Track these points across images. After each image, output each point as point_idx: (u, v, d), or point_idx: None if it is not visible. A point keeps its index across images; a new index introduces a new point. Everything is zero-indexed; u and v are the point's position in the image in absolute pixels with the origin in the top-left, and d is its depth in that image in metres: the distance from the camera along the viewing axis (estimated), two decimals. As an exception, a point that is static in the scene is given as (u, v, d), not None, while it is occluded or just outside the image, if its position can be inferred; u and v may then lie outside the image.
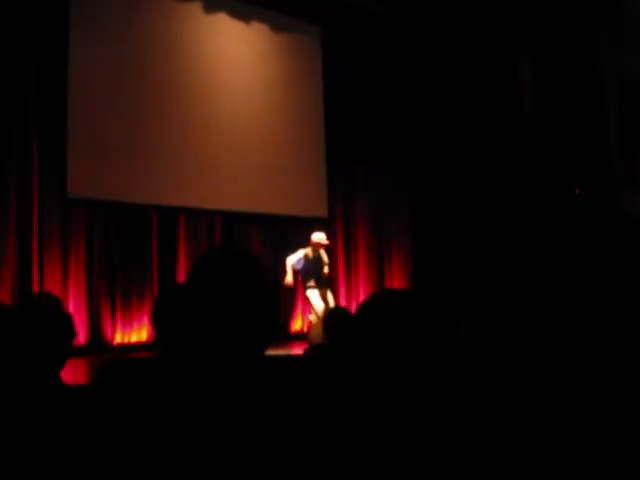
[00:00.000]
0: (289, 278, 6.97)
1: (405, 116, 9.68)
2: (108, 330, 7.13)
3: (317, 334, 6.68)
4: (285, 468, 1.10)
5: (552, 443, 1.35)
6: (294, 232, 8.46)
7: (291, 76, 9.00)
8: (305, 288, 7.07)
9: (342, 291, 9.21)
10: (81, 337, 6.68)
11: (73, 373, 4.93)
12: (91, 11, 7.16)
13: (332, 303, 7.08)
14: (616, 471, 1.33)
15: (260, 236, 8.52)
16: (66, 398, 1.67)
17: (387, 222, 9.87)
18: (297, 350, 6.49)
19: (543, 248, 8.31)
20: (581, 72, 8.66)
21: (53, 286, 6.60)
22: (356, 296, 9.39)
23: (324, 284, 7.05)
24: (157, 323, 1.94)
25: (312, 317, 6.94)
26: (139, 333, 7.30)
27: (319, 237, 7.08)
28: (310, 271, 6.98)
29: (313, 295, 6.95)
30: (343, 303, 8.90)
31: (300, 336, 8.09)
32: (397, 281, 9.86)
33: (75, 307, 6.78)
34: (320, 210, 9.09)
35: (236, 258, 1.26)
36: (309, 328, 7.11)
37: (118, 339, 7.19)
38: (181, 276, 7.67)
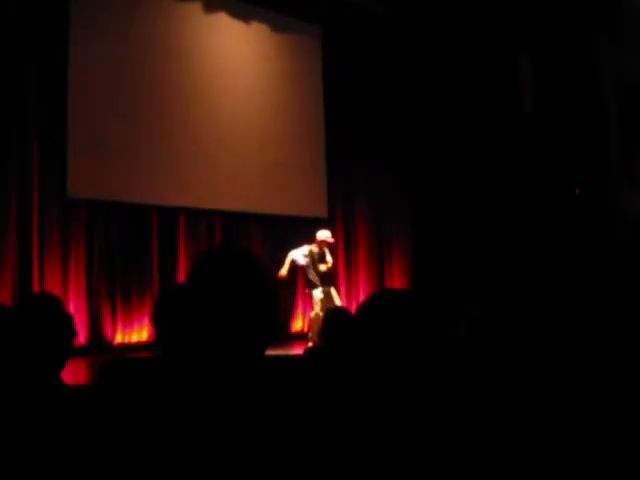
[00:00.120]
0: (284, 271, 6.94)
1: (405, 116, 9.68)
2: (108, 330, 7.13)
3: (318, 333, 6.69)
4: (285, 468, 1.10)
5: (552, 443, 1.35)
6: (294, 232, 8.46)
7: (291, 76, 9.00)
8: (308, 286, 7.06)
9: (342, 291, 9.21)
10: (81, 337, 6.68)
11: (73, 373, 4.93)
12: (91, 11, 7.16)
13: (337, 301, 7.07)
14: (616, 471, 1.33)
15: (260, 236, 8.53)
16: (66, 398, 1.67)
17: (387, 222, 9.87)
18: (297, 350, 6.49)
19: (543, 248, 8.30)
20: (581, 72, 8.66)
21: (53, 286, 6.60)
22: (356, 296, 9.39)
23: (327, 282, 7.05)
24: (157, 323, 1.94)
25: (313, 315, 6.94)
26: (139, 333, 7.31)
27: (325, 235, 7.09)
28: (314, 268, 6.98)
29: (316, 293, 6.95)
30: (343, 303, 8.89)
31: (300, 336, 8.10)
32: (397, 281, 9.86)
33: (75, 307, 6.78)
34: (320, 210, 9.09)
35: (236, 258, 1.26)
36: (309, 327, 7.10)
37: (118, 339, 7.19)
38: (181, 276, 7.67)
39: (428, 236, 9.78)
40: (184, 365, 1.31)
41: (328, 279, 7.08)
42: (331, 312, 3.27)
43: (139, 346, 7.07)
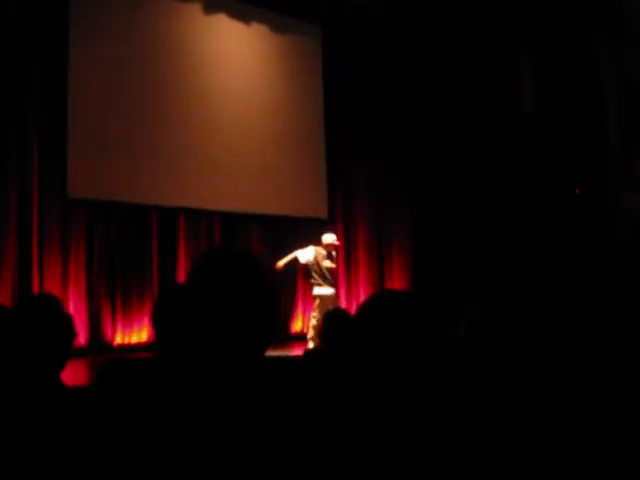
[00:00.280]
0: (281, 263, 6.92)
1: (405, 116, 9.68)
2: (108, 331, 7.13)
3: (318, 334, 6.68)
4: (285, 468, 1.10)
5: (552, 442, 1.35)
6: (294, 232, 8.46)
7: (291, 76, 9.00)
8: (312, 286, 7.06)
9: (342, 291, 9.21)
10: (81, 338, 6.68)
11: (73, 374, 4.93)
12: (91, 11, 7.16)
13: (337, 302, 7.08)
14: (616, 470, 1.33)
15: (260, 236, 8.52)
16: (66, 399, 1.67)
17: (387, 222, 9.87)
18: (297, 351, 6.49)
19: (543, 248, 8.30)
20: (581, 72, 8.66)
21: (53, 286, 6.60)
22: (356, 296, 9.39)
23: (330, 283, 7.05)
24: (157, 323, 1.94)
25: (313, 316, 6.94)
26: (139, 334, 7.30)
27: (331, 238, 7.11)
28: (318, 267, 6.98)
29: (317, 292, 6.95)
30: (343, 303, 8.89)
31: (300, 337, 8.09)
32: (397, 281, 9.86)
33: (75, 307, 6.78)
34: (320, 210, 9.09)
35: (236, 258, 1.26)
36: (309, 328, 7.09)
37: (118, 340, 7.19)
38: (181, 276, 7.67)
39: (428, 236, 9.78)
40: (184, 365, 1.31)
41: (330, 280, 7.08)
42: (331, 313, 3.27)
43: (139, 347, 7.07)
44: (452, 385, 1.37)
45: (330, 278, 7.04)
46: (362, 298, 8.87)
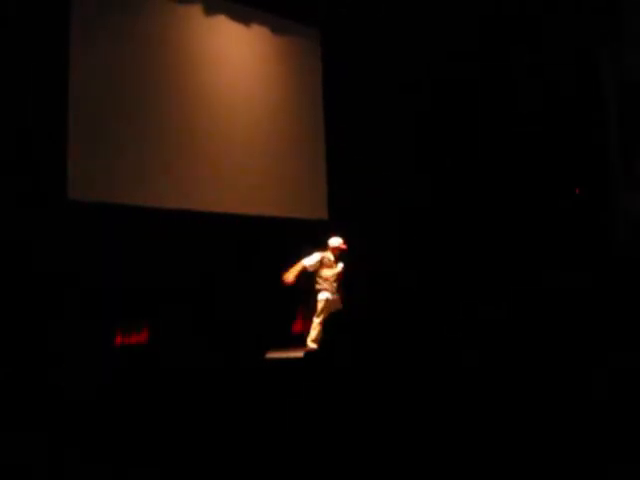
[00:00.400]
0: (290, 276, 6.79)
1: (404, 116, 9.67)
2: (108, 330, 7.12)
3: (318, 337, 6.69)
4: (285, 468, 1.11)
5: (552, 442, 1.35)
6: (294, 233, 8.45)
7: (291, 77, 9.00)
8: (318, 291, 7.03)
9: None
10: (81, 337, 6.66)
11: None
12: (91, 11, 7.16)
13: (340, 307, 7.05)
14: (616, 470, 1.33)
15: (260, 237, 8.51)
16: (66, 399, 1.67)
17: (386, 222, 9.83)
18: (298, 353, 6.47)
19: (543, 248, 8.30)
20: (581, 72, 8.66)
21: (53, 287, 6.58)
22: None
23: (333, 288, 7.03)
24: (158, 324, 1.94)
25: (315, 319, 6.94)
26: (139, 334, 7.29)
27: (338, 242, 7.10)
28: (325, 275, 6.97)
29: (321, 297, 6.94)
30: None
31: (301, 339, 8.08)
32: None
33: (75, 307, 6.76)
34: (320, 211, 9.09)
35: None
36: (310, 331, 7.07)
37: (118, 340, 7.18)
38: (181, 277, 7.64)
39: (428, 236, 9.77)
40: (184, 365, 1.31)
41: (335, 286, 7.06)
42: (331, 316, 3.27)
43: (139, 347, 7.06)
44: (452, 385, 1.37)
45: (335, 284, 7.02)
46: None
